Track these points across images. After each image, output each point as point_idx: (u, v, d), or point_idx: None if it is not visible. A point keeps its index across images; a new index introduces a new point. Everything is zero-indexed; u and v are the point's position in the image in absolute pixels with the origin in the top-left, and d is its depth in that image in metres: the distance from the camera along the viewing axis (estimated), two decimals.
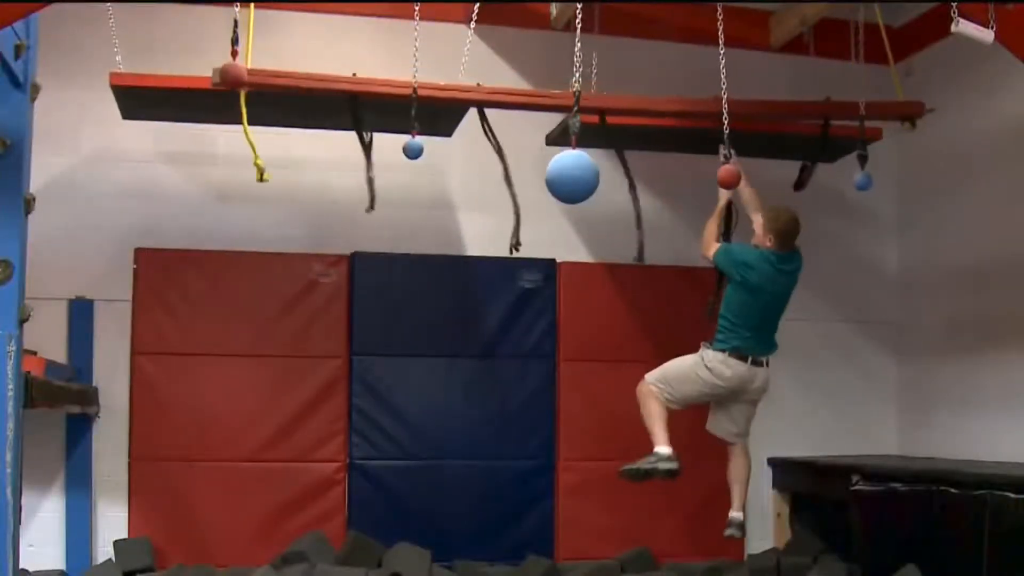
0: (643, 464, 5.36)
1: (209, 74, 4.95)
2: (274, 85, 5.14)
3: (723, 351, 5.39)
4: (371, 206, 5.51)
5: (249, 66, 5.00)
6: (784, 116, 6.13)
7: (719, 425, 5.68)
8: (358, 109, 5.35)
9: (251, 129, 6.00)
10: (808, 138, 6.22)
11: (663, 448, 5.38)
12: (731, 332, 5.42)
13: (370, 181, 5.48)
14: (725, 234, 5.77)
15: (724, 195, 5.70)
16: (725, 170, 5.26)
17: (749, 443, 5.81)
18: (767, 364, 5.50)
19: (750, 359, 5.41)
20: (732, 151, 5.29)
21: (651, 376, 5.54)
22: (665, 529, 6.72)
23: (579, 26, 4.99)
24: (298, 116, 5.82)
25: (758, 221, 5.60)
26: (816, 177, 6.72)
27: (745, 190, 5.68)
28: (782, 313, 5.58)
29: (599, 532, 6.58)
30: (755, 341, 5.43)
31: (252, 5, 5.16)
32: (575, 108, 5.03)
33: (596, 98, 5.68)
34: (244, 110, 5.02)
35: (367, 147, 5.48)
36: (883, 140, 6.31)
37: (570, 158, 4.91)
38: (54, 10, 4.30)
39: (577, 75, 5.07)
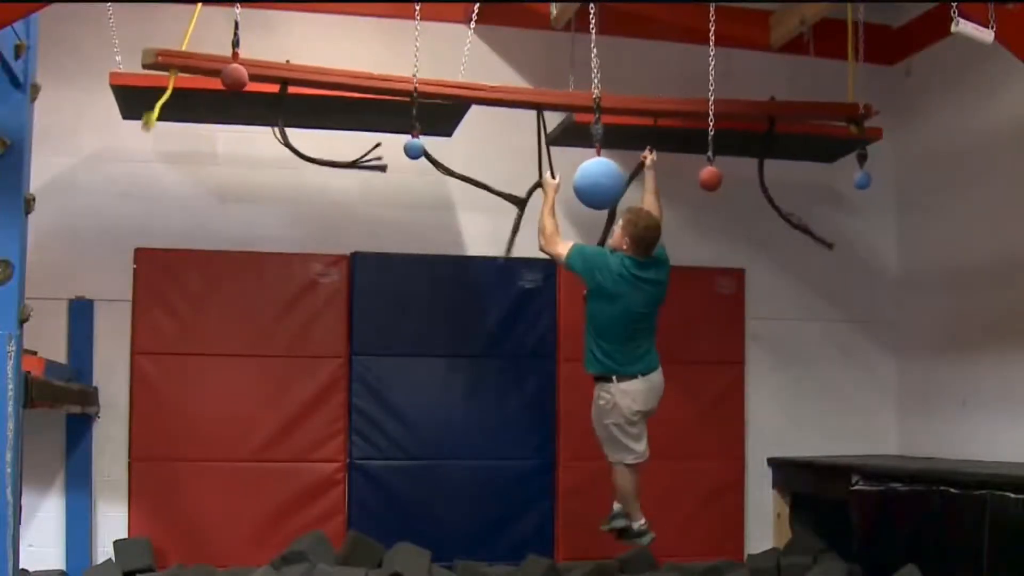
0: (619, 527, 5.46)
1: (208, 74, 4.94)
2: (272, 77, 5.13)
3: (608, 377, 5.21)
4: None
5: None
6: (733, 116, 6.07)
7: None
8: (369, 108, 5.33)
9: (252, 129, 6.05)
10: (810, 138, 6.23)
11: (639, 522, 5.46)
12: (604, 355, 5.23)
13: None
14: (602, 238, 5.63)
15: (550, 188, 5.44)
16: (708, 172, 5.26)
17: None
18: (658, 368, 5.31)
19: (640, 374, 5.23)
20: (711, 155, 5.24)
21: (607, 456, 5.41)
22: (665, 529, 6.69)
23: (594, 29, 5.02)
24: (297, 117, 5.80)
25: (620, 221, 5.37)
26: (816, 177, 6.75)
27: (649, 196, 5.53)
28: (652, 330, 5.33)
29: (599, 532, 6.57)
30: (631, 355, 5.22)
31: (239, 5, 5.13)
32: (597, 115, 5.05)
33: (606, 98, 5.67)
34: (167, 96, 4.95)
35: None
36: (883, 140, 6.32)
37: (597, 166, 4.97)
38: (54, 10, 4.29)
39: (596, 80, 5.07)
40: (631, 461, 5.39)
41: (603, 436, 5.40)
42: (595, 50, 5.03)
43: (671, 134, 6.05)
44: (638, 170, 5.75)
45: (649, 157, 5.66)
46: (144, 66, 4.94)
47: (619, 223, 5.33)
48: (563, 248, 5.31)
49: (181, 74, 5.02)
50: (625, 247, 5.22)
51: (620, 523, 5.43)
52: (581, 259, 5.26)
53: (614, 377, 5.23)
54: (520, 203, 5.76)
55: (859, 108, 5.85)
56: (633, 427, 5.33)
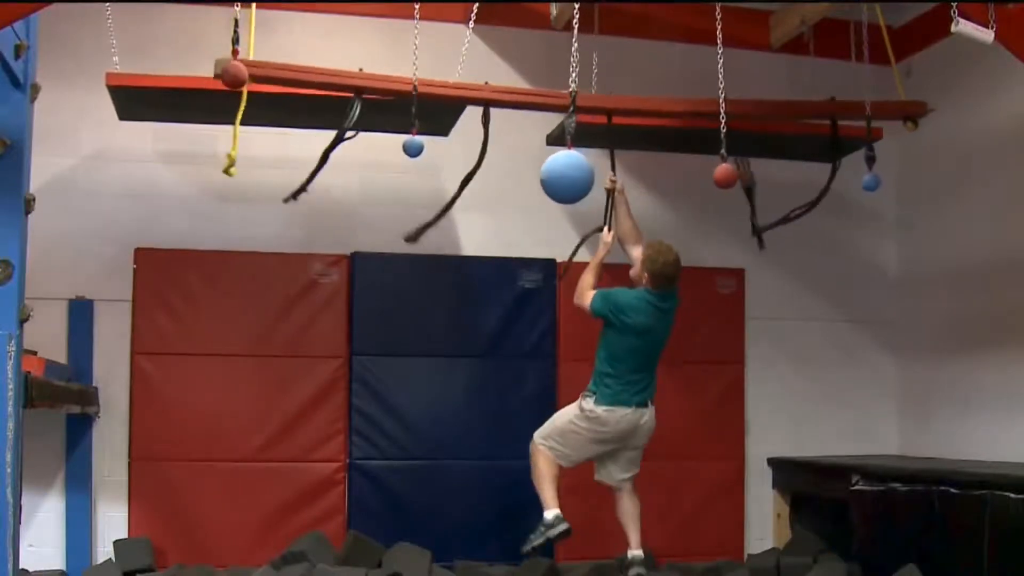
0: (536, 540, 5.39)
1: (208, 74, 4.93)
2: (277, 78, 5.13)
3: (606, 403, 5.30)
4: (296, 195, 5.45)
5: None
6: (789, 117, 6.11)
7: (608, 474, 5.60)
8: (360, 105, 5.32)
9: (252, 129, 6.05)
10: (812, 138, 6.23)
11: (549, 513, 5.37)
12: (612, 379, 5.32)
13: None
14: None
15: (603, 247, 5.61)
16: (723, 169, 5.26)
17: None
18: (651, 404, 5.43)
19: (635, 404, 5.33)
20: (725, 152, 5.25)
21: (539, 434, 5.47)
22: (665, 529, 6.71)
23: (576, 26, 5.00)
24: (299, 115, 5.81)
25: (637, 255, 5.50)
26: (816, 177, 6.72)
27: (625, 222, 5.60)
28: (660, 354, 5.48)
29: (599, 532, 6.57)
30: (638, 386, 5.35)
31: (254, 5, 5.14)
32: (571, 108, 5.03)
33: (599, 98, 5.67)
34: (243, 104, 4.98)
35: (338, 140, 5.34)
36: (883, 140, 6.31)
37: (564, 158, 4.92)
38: (54, 10, 4.30)
39: (573, 75, 5.07)
40: (559, 461, 5.44)
41: (557, 425, 5.43)
42: (576, 45, 5.01)
43: (670, 134, 6.07)
44: (609, 199, 5.73)
45: (618, 183, 5.67)
46: (216, 76, 4.90)
47: (634, 255, 5.47)
48: (588, 299, 5.46)
49: (179, 75, 5.00)
50: (645, 282, 5.34)
51: (537, 540, 5.44)
52: (605, 305, 5.37)
53: (594, 399, 5.32)
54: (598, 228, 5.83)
55: (925, 106, 5.89)
56: (592, 447, 5.39)
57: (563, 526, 5.36)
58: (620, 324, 5.33)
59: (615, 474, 5.58)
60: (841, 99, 6.00)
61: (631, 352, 5.34)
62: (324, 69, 5.28)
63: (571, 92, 5.07)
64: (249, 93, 5.06)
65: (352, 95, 5.25)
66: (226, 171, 5.14)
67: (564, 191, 5.04)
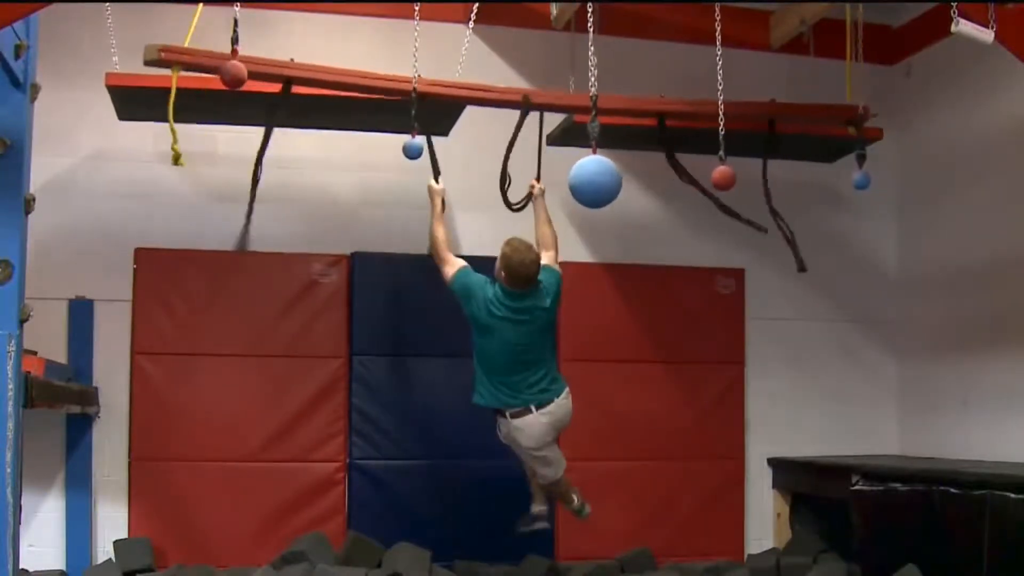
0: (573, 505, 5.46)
1: (208, 74, 4.93)
2: (271, 76, 5.12)
3: (500, 412, 5.14)
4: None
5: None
6: (731, 117, 6.06)
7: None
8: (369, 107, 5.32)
9: (252, 129, 6.05)
10: (812, 138, 6.23)
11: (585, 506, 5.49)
12: (486, 385, 5.14)
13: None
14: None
15: (435, 195, 5.36)
16: (721, 171, 5.25)
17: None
18: (538, 407, 5.11)
19: (533, 406, 5.09)
20: (723, 154, 5.24)
21: (551, 481, 5.46)
22: (665, 529, 6.72)
23: (591, 28, 5.00)
24: (298, 116, 5.81)
25: (547, 260, 5.31)
26: (816, 177, 6.75)
27: (542, 227, 5.49)
28: (545, 359, 5.19)
29: (599, 532, 6.58)
30: (518, 389, 5.07)
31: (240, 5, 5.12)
32: (594, 113, 5.02)
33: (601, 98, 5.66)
34: (171, 101, 4.85)
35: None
36: (883, 140, 6.32)
37: (593, 164, 4.92)
38: (54, 10, 4.30)
39: (593, 79, 5.05)
40: (541, 481, 5.42)
41: (545, 460, 5.37)
42: (592, 48, 5.00)
43: (670, 134, 6.05)
44: (527, 200, 5.69)
45: (537, 186, 5.63)
46: (146, 62, 4.91)
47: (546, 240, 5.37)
48: (451, 269, 5.19)
49: (183, 72, 4.98)
50: (501, 277, 5.10)
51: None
52: (461, 286, 5.16)
53: (507, 412, 5.13)
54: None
55: (858, 110, 5.84)
56: (538, 454, 5.29)
57: (541, 525, 5.48)
58: (468, 313, 5.13)
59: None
60: (839, 100, 6.00)
61: (492, 354, 5.09)
62: (329, 68, 5.27)
63: (592, 96, 5.04)
64: (250, 93, 5.05)
65: (356, 94, 5.26)
66: (176, 162, 5.02)
67: (594, 196, 5.02)
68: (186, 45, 4.98)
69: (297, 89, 5.27)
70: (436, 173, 5.47)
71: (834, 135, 6.17)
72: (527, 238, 6.81)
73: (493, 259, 6.67)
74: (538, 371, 5.16)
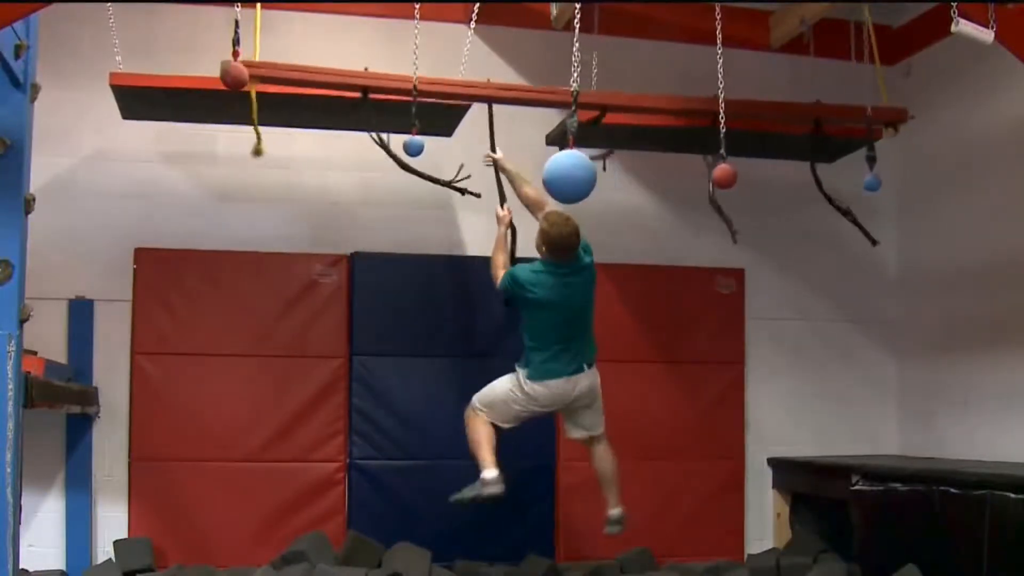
0: (467, 493, 5.33)
1: (209, 74, 4.94)
2: (284, 79, 5.14)
3: (537, 378, 5.28)
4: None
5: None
6: (776, 117, 6.10)
7: (572, 431, 5.58)
8: (370, 107, 5.32)
9: (251, 129, 6.06)
10: (810, 138, 6.23)
11: (488, 472, 5.32)
12: (538, 354, 5.29)
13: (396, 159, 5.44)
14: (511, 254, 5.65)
15: (500, 222, 5.58)
16: (722, 170, 5.26)
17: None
18: (589, 367, 5.34)
19: (568, 373, 5.28)
20: (724, 152, 5.25)
21: (476, 399, 5.47)
22: (665, 529, 6.72)
23: (577, 25, 5.00)
24: (300, 116, 5.82)
25: (531, 200, 5.44)
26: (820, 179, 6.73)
27: (522, 190, 5.50)
28: (589, 321, 5.40)
29: (599, 532, 6.56)
30: (566, 357, 5.29)
31: (259, 5, 5.14)
32: (573, 108, 5.03)
33: (598, 95, 5.67)
34: (254, 105, 4.99)
35: (386, 148, 5.43)
36: (883, 140, 6.31)
37: (567, 158, 4.91)
38: (54, 10, 4.30)
39: (575, 75, 5.06)
40: (498, 423, 5.43)
41: (497, 393, 5.41)
42: (577, 45, 4.99)
43: (670, 134, 6.06)
44: (497, 177, 5.71)
45: (492, 156, 5.64)
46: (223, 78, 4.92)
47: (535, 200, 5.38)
48: (499, 279, 5.42)
49: (181, 75, 5.00)
50: (541, 253, 5.28)
51: (468, 493, 5.38)
52: (511, 282, 5.33)
53: (523, 375, 5.30)
54: None
55: (907, 112, 5.88)
56: (531, 412, 5.39)
57: (498, 488, 5.31)
58: (525, 300, 5.29)
59: (578, 432, 5.56)
60: (839, 100, 6.01)
61: (548, 326, 5.28)
62: (331, 69, 5.28)
63: (573, 91, 5.06)
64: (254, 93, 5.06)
65: (359, 95, 5.26)
66: (258, 152, 5.11)
67: (568, 191, 5.02)
68: (256, 56, 4.95)
69: (297, 89, 5.28)
70: (502, 199, 5.63)
71: (834, 135, 6.17)
72: (529, 236, 6.85)
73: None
74: (586, 338, 5.40)
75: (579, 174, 4.90)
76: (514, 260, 5.61)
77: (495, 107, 5.70)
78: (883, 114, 5.92)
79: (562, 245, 5.19)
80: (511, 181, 5.59)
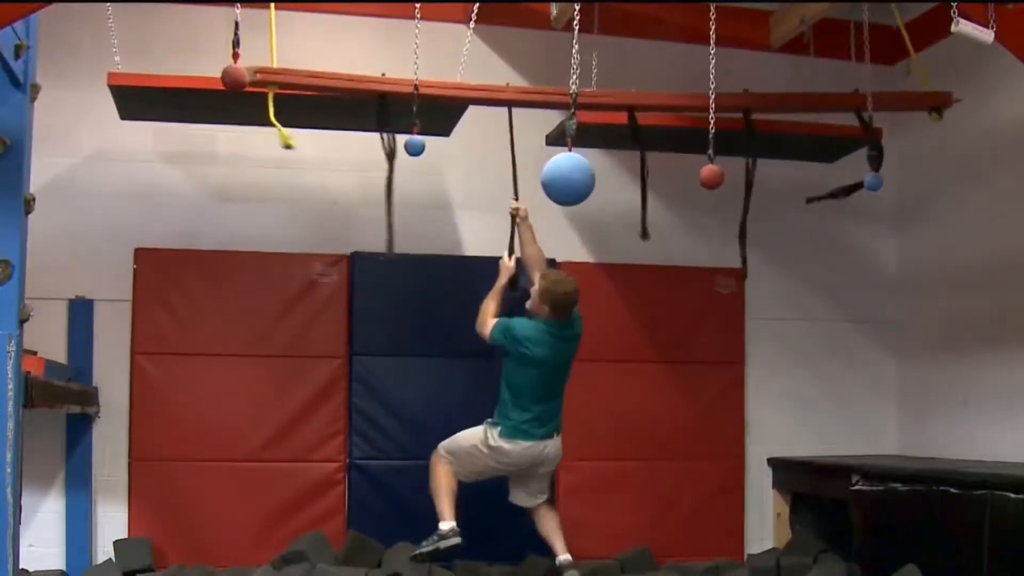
0: (425, 547, 5.35)
1: (208, 74, 4.94)
2: (282, 83, 5.14)
3: (508, 436, 5.32)
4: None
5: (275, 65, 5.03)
6: (815, 109, 6.07)
7: (518, 497, 5.64)
8: (386, 109, 5.31)
9: (253, 129, 6.08)
10: (811, 138, 6.23)
11: (444, 524, 5.35)
12: (517, 412, 5.32)
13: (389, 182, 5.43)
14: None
15: (505, 273, 5.61)
16: (709, 170, 5.26)
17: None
18: (557, 434, 5.44)
19: (538, 437, 5.34)
20: (712, 152, 5.25)
21: (443, 446, 5.49)
22: (665, 529, 6.72)
23: (576, 25, 5.00)
24: (302, 116, 5.82)
25: (535, 261, 5.50)
26: (816, 177, 6.74)
27: (530, 247, 5.56)
28: (565, 382, 5.49)
29: (599, 532, 6.58)
30: (542, 417, 5.35)
31: (273, 6, 5.14)
32: (572, 110, 5.03)
33: (595, 95, 5.67)
34: (271, 107, 5.01)
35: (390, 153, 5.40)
36: (883, 140, 6.31)
37: (565, 160, 4.91)
38: (54, 10, 4.30)
39: (575, 76, 5.07)
40: (458, 476, 5.46)
41: (461, 445, 5.44)
42: (577, 46, 5.01)
43: (671, 134, 6.06)
44: (512, 224, 5.71)
45: (521, 209, 5.65)
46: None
47: (534, 288, 5.40)
48: (488, 328, 5.46)
49: (180, 73, 5.00)
50: (544, 313, 5.31)
51: (427, 547, 5.40)
52: (504, 336, 5.37)
53: (496, 431, 5.34)
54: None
55: (951, 96, 5.84)
56: (494, 470, 5.45)
57: (455, 540, 5.35)
58: (519, 355, 5.33)
59: (525, 500, 5.64)
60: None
61: (532, 383, 5.33)
62: (343, 74, 5.30)
63: (572, 93, 5.06)
64: (255, 94, 5.06)
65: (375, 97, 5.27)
66: (288, 146, 5.11)
67: (566, 193, 5.03)
68: (273, 58, 4.98)
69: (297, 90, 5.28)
70: (511, 251, 5.67)
71: (834, 135, 6.16)
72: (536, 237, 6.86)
73: (494, 259, 6.70)
74: (557, 402, 5.47)
75: (578, 176, 4.91)
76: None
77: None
78: (927, 99, 5.90)
79: (566, 303, 5.29)
80: (522, 235, 5.62)
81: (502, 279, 5.65)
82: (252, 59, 4.97)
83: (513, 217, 5.70)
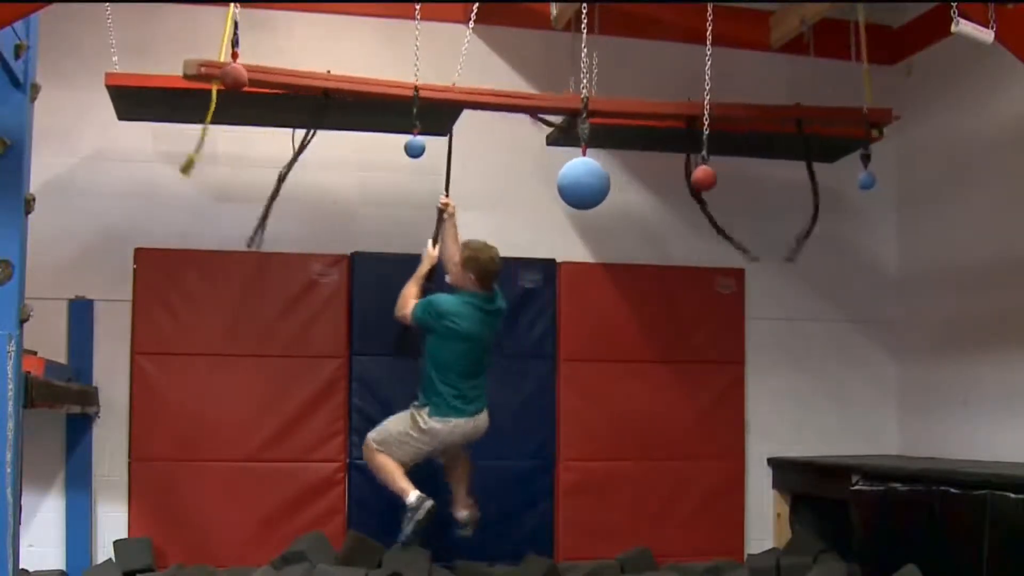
0: (407, 528, 5.34)
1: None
2: (271, 83, 5.14)
3: (440, 416, 5.33)
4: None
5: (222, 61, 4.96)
6: (757, 120, 6.09)
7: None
8: (327, 106, 5.32)
9: (253, 129, 6.09)
10: (811, 138, 6.23)
11: (411, 497, 5.34)
12: (448, 389, 5.33)
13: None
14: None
15: (427, 261, 5.62)
16: (702, 171, 5.26)
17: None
18: (486, 409, 5.48)
19: (470, 413, 5.37)
20: (706, 154, 5.26)
21: (372, 438, 5.49)
22: (665, 529, 6.72)
23: (584, 29, 5.00)
24: (298, 116, 5.81)
25: (454, 259, 5.50)
26: (816, 177, 6.73)
27: (451, 246, 5.57)
28: (490, 359, 5.54)
29: (599, 532, 6.59)
30: (472, 393, 5.39)
31: (235, 6, 5.12)
32: (584, 114, 5.03)
33: (600, 101, 5.67)
34: (213, 105, 4.98)
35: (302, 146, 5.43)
36: (883, 140, 6.32)
37: (581, 166, 4.94)
38: (54, 10, 4.30)
39: (585, 80, 5.07)
40: (399, 463, 5.45)
41: (392, 432, 5.44)
42: (585, 48, 5.01)
43: (670, 134, 6.06)
44: (439, 220, 5.74)
45: (450, 205, 5.70)
46: (186, 76, 4.94)
47: (451, 260, 5.41)
48: (409, 308, 5.45)
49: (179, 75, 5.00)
50: (470, 283, 5.33)
51: (409, 528, 5.37)
52: (427, 312, 5.36)
53: (426, 412, 5.35)
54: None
55: (891, 113, 5.87)
56: (427, 452, 5.45)
57: (428, 504, 5.32)
58: (444, 330, 5.33)
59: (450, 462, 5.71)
60: (839, 100, 6.01)
61: (458, 358, 5.35)
62: (287, 70, 5.29)
63: (583, 98, 5.06)
64: (249, 94, 5.06)
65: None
66: (184, 171, 5.12)
67: (582, 198, 5.07)
68: (221, 57, 4.96)
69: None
70: (435, 241, 5.67)
71: (834, 135, 6.17)
72: (534, 236, 6.87)
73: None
74: (483, 377, 5.49)
75: (593, 182, 4.96)
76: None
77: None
78: (868, 115, 5.91)
79: (491, 269, 5.32)
80: (447, 230, 5.65)
81: (424, 267, 5.66)
82: (253, 59, 4.98)
83: (441, 212, 5.71)
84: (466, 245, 5.40)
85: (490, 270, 5.33)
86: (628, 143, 6.45)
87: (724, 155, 5.55)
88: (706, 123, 5.22)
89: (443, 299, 5.41)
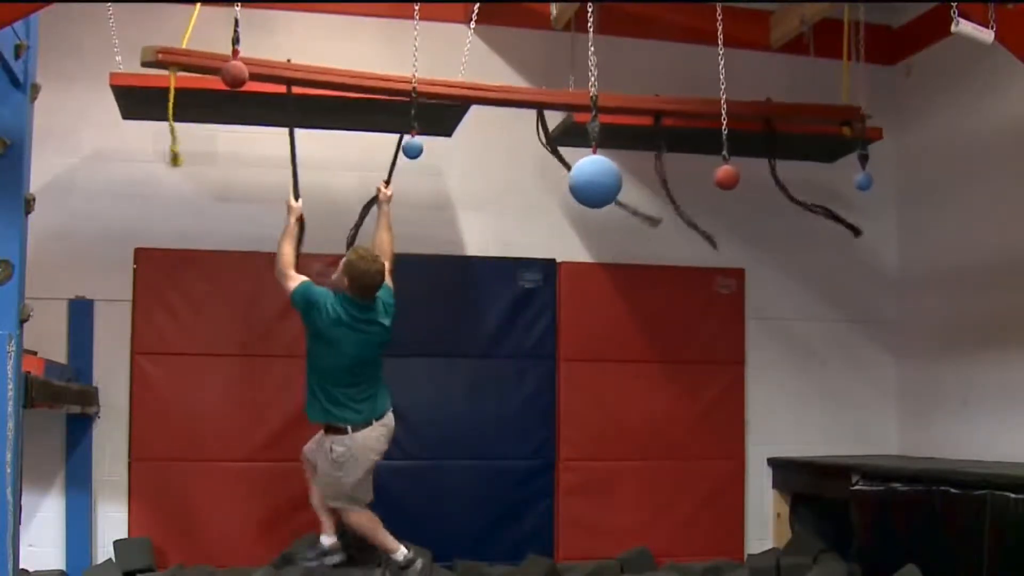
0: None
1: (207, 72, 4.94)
2: (271, 78, 5.14)
3: (341, 428, 5.10)
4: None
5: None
6: (731, 117, 6.08)
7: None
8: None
9: (253, 129, 6.08)
10: (811, 138, 6.24)
11: (399, 555, 5.31)
12: (326, 398, 5.13)
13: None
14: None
15: (294, 212, 5.38)
16: (724, 171, 5.26)
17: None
18: (376, 421, 5.20)
19: (374, 420, 5.17)
20: (727, 153, 5.26)
21: (338, 504, 5.31)
22: (665, 529, 6.72)
23: (591, 28, 4.99)
24: (299, 116, 5.82)
25: (383, 248, 5.37)
26: (816, 177, 6.74)
27: (383, 234, 5.48)
28: (379, 373, 5.27)
29: (599, 532, 6.59)
30: (357, 402, 5.14)
31: (198, 6, 5.12)
32: (594, 113, 5.03)
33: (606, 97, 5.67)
34: (172, 98, 4.92)
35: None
36: (884, 140, 6.32)
37: (592, 164, 4.94)
38: (54, 10, 4.30)
39: (593, 79, 5.06)
40: (365, 506, 5.33)
41: (334, 490, 5.26)
42: (592, 48, 5.01)
43: (670, 134, 6.06)
44: (370, 203, 5.69)
45: (384, 191, 5.61)
46: (143, 64, 4.94)
47: (342, 261, 5.23)
48: (292, 283, 5.19)
49: (181, 72, 5.00)
50: (343, 287, 5.14)
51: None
52: (303, 299, 5.15)
53: (348, 428, 5.14)
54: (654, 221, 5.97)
55: (860, 110, 5.85)
56: (369, 475, 5.28)
57: (419, 564, 5.33)
58: (310, 324, 5.15)
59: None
60: (838, 100, 6.02)
61: (332, 366, 5.12)
62: (324, 68, 5.28)
63: (592, 96, 5.06)
64: (250, 93, 5.06)
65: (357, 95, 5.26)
66: (173, 163, 5.09)
67: (594, 196, 5.06)
68: (184, 46, 4.98)
69: (297, 90, 5.28)
70: (296, 194, 5.45)
71: (834, 135, 6.17)
72: (534, 236, 6.87)
73: (494, 259, 6.72)
74: (373, 385, 5.24)
75: (604, 180, 4.96)
76: (299, 257, 5.42)
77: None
78: (835, 112, 5.90)
79: (366, 282, 5.08)
80: (379, 218, 5.55)
81: (290, 219, 5.40)
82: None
83: (375, 198, 5.65)
84: (354, 250, 5.21)
85: (364, 282, 5.08)
86: (630, 143, 6.44)
87: (683, 152, 5.56)
88: (724, 122, 5.20)
89: (320, 291, 5.20)
